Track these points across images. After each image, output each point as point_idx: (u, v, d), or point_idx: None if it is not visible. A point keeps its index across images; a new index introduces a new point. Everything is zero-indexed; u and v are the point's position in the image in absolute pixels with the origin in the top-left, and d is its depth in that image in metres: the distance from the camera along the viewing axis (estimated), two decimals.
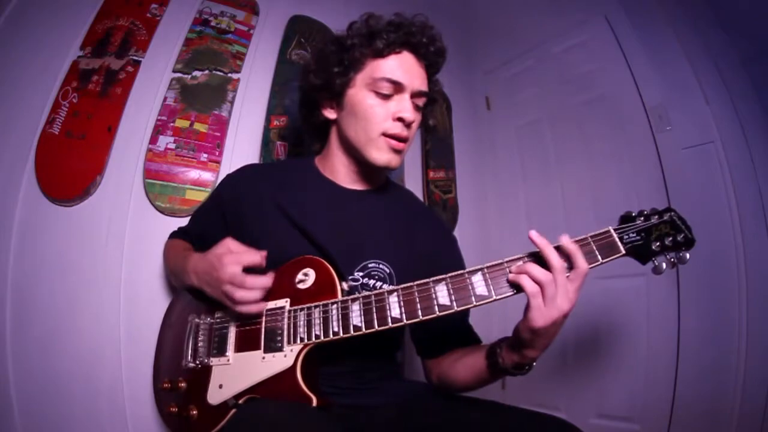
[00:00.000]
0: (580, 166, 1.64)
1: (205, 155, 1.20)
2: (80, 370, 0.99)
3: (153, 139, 1.15)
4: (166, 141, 1.16)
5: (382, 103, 0.81)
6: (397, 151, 0.83)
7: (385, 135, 0.81)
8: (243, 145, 1.28)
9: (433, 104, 0.93)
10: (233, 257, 0.70)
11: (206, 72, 1.26)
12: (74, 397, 0.98)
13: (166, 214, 1.13)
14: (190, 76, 1.23)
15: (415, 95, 0.83)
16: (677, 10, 1.43)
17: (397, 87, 0.81)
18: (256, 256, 0.71)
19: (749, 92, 1.36)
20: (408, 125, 0.82)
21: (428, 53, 0.85)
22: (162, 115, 1.18)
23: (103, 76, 1.12)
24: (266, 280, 0.72)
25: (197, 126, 1.21)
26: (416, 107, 0.84)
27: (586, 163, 1.62)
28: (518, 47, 1.89)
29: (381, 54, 0.81)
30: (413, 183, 1.67)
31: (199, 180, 1.18)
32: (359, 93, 0.82)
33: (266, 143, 1.31)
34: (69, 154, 1.05)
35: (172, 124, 1.18)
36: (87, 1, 1.16)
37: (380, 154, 0.82)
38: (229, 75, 1.29)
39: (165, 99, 1.19)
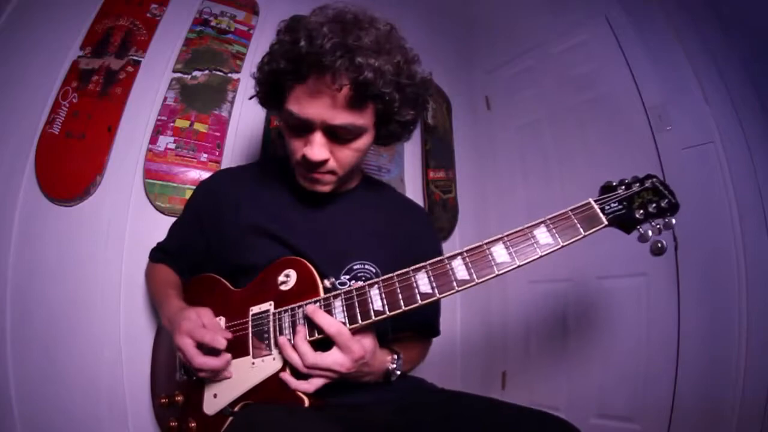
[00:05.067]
0: (580, 165, 1.64)
1: (205, 155, 1.20)
2: (80, 370, 0.99)
3: (153, 139, 1.15)
4: (166, 141, 1.16)
5: (295, 136, 0.74)
6: (315, 181, 0.76)
7: (300, 165, 0.77)
8: (243, 145, 1.28)
9: (389, 125, 0.77)
10: (189, 327, 0.68)
11: (206, 72, 1.26)
12: (74, 397, 0.98)
13: (166, 214, 1.13)
14: (190, 76, 1.23)
15: (329, 129, 0.71)
16: (677, 10, 1.43)
17: (302, 121, 0.70)
18: (212, 339, 0.67)
19: (749, 92, 1.36)
20: (315, 165, 0.73)
21: (343, 74, 0.65)
22: (162, 115, 1.18)
23: (103, 76, 1.12)
24: (214, 363, 0.68)
25: (197, 126, 1.21)
26: (339, 141, 0.73)
27: (586, 163, 1.62)
28: (518, 47, 1.89)
29: (288, 83, 0.71)
30: (413, 183, 1.67)
31: (200, 180, 1.17)
32: (281, 122, 0.78)
33: (266, 143, 1.31)
34: (69, 154, 1.05)
35: (172, 124, 1.18)
36: (87, 1, 1.16)
37: (302, 180, 0.79)
38: (229, 75, 1.29)
39: (165, 99, 1.19)
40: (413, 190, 1.66)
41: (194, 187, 1.15)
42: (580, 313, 1.58)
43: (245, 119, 1.29)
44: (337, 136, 0.72)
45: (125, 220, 1.09)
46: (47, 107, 1.06)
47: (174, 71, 1.22)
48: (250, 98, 0.85)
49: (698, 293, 1.30)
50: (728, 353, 1.21)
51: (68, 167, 1.05)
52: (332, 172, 0.76)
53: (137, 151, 1.14)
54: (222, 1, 1.33)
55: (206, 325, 0.70)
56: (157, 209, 1.12)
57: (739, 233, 1.23)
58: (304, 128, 0.72)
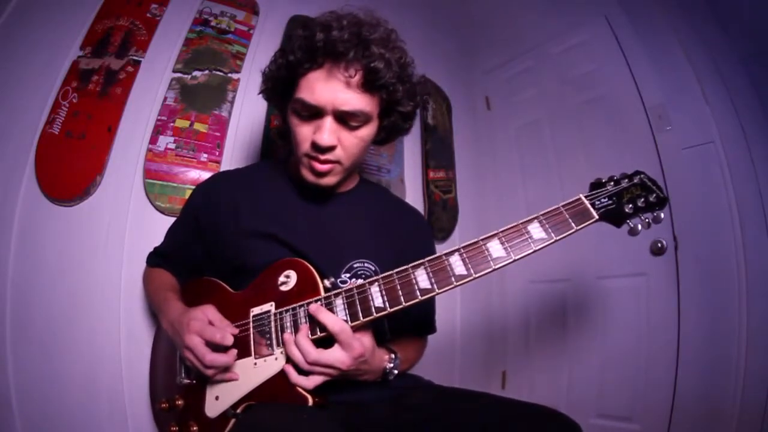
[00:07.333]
0: (580, 165, 1.64)
1: (205, 155, 1.20)
2: (80, 370, 0.99)
3: (153, 139, 1.15)
4: (166, 141, 1.16)
5: (304, 124, 0.77)
6: (321, 173, 0.78)
7: (307, 156, 0.78)
8: (243, 145, 1.28)
9: (390, 116, 0.82)
10: (198, 326, 0.69)
11: (206, 72, 1.26)
12: (74, 397, 0.98)
13: (166, 214, 1.13)
14: (190, 76, 1.23)
15: (340, 115, 0.74)
16: (677, 10, 1.43)
17: (313, 108, 0.74)
18: (222, 337, 0.68)
19: (749, 92, 1.36)
20: (324, 150, 0.75)
21: (356, 61, 0.72)
22: (162, 115, 1.18)
23: (103, 76, 1.12)
24: (224, 360, 0.69)
25: (197, 126, 1.21)
26: (348, 127, 0.76)
27: (586, 163, 1.62)
28: (518, 47, 1.89)
29: (300, 71, 0.74)
30: (413, 183, 1.67)
31: (199, 180, 1.17)
32: (289, 113, 0.79)
33: (266, 143, 1.31)
34: (69, 154, 1.05)
35: (172, 124, 1.18)
36: (87, 1, 1.16)
37: (307, 173, 0.80)
38: (229, 75, 1.29)
39: (165, 99, 1.19)
40: (413, 190, 1.66)
41: (194, 188, 1.16)
42: (580, 314, 1.58)
43: (245, 119, 1.29)
44: (345, 122, 0.76)
45: (125, 220, 1.09)
46: (47, 107, 1.06)
47: (174, 71, 1.22)
48: (259, 93, 0.88)
49: (698, 293, 1.30)
50: (728, 353, 1.21)
51: (68, 167, 1.05)
52: (338, 162, 0.78)
53: (137, 151, 1.14)
54: (222, 1, 1.33)
55: (213, 322, 0.71)
56: (157, 209, 1.12)
57: (739, 233, 1.24)
58: (315, 115, 0.75)
